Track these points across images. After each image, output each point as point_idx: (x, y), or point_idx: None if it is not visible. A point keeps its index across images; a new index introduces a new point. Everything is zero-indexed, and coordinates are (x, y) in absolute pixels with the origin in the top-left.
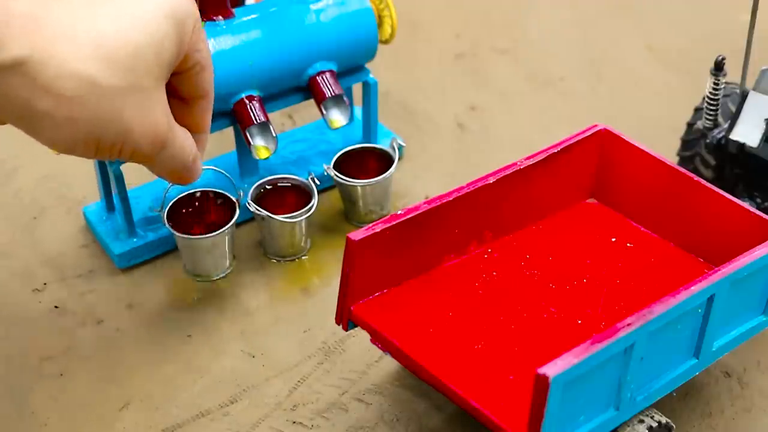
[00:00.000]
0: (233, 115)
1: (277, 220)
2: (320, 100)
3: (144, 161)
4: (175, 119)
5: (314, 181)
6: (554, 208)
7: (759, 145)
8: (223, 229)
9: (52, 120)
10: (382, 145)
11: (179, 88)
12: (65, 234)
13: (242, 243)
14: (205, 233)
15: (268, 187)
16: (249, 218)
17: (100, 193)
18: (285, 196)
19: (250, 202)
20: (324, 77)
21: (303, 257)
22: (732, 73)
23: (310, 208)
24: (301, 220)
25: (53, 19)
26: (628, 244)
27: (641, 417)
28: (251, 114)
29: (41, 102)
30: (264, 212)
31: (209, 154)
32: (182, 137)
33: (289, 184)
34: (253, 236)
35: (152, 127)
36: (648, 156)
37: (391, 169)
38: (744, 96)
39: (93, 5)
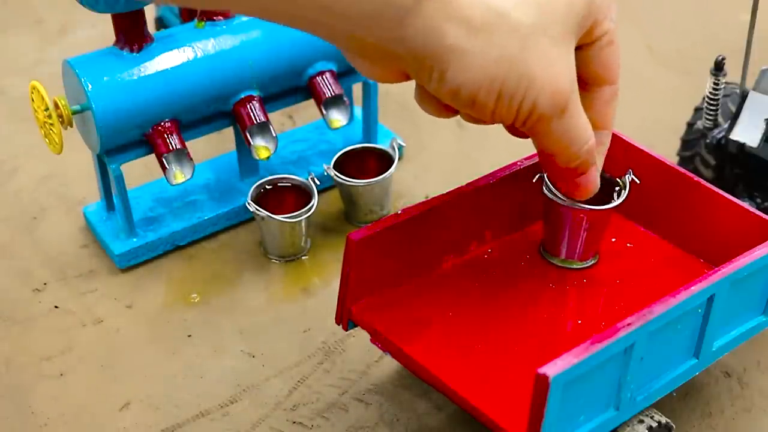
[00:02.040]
0: (233, 115)
1: (277, 220)
2: (320, 100)
3: (540, 125)
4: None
5: (314, 181)
6: None
7: (759, 145)
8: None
9: (461, 55)
10: (382, 145)
11: (584, 66)
12: (65, 234)
13: (242, 243)
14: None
15: (268, 187)
16: (249, 218)
17: (100, 193)
18: (285, 196)
19: (250, 202)
20: (324, 77)
21: (303, 257)
22: (732, 73)
23: (310, 208)
24: (301, 220)
25: None
26: (628, 244)
27: (641, 417)
28: (251, 114)
29: (451, 31)
30: (264, 212)
31: (209, 154)
32: (582, 113)
33: (289, 184)
34: (253, 236)
35: (555, 81)
36: (648, 156)
37: (391, 169)
38: (744, 96)
39: None
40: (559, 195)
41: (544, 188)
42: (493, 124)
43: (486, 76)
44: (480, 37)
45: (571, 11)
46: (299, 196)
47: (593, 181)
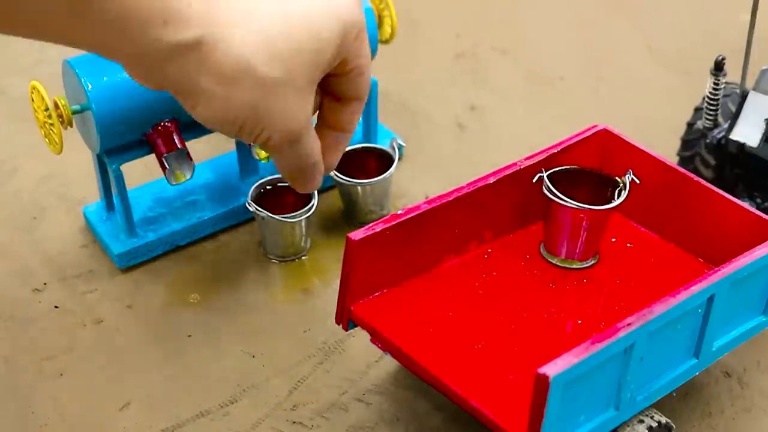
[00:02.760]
0: None
1: (277, 220)
2: None
3: (273, 151)
4: (325, 115)
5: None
6: None
7: (759, 145)
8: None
9: (210, 97)
10: (382, 145)
11: (335, 87)
12: (65, 234)
13: (242, 243)
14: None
15: (268, 187)
16: (249, 218)
17: (100, 193)
18: (285, 196)
19: (249, 202)
20: None
21: (303, 257)
22: (732, 73)
23: (310, 208)
24: (301, 220)
25: (231, 4)
26: (628, 244)
27: (641, 417)
28: None
29: (204, 79)
30: (264, 212)
31: (209, 154)
32: (313, 142)
33: (289, 185)
34: (254, 236)
35: (291, 122)
36: (648, 156)
37: (391, 169)
38: (744, 96)
39: None
40: (560, 195)
41: (544, 188)
42: None
43: (229, 116)
44: (227, 87)
45: (317, 63)
46: (299, 196)
47: (316, 183)
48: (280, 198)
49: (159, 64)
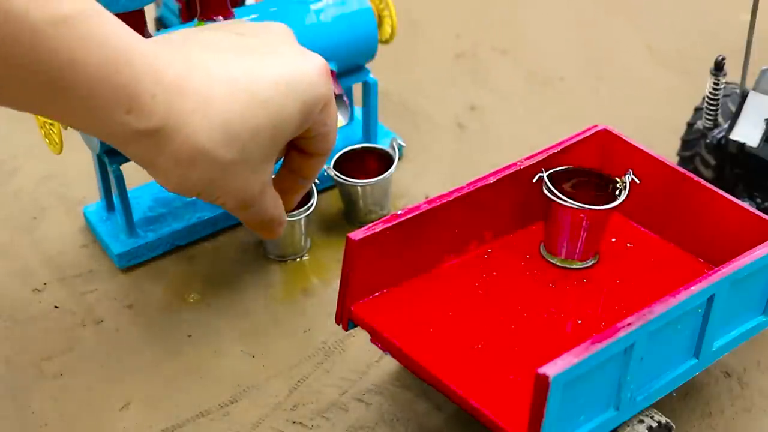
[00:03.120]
0: None
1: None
2: None
3: (231, 211)
4: (288, 162)
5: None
6: None
7: (759, 145)
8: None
9: (166, 174)
10: (382, 145)
11: (300, 146)
12: (65, 234)
13: (242, 243)
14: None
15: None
16: None
17: (100, 193)
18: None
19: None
20: None
21: (303, 257)
22: (732, 73)
23: (309, 208)
24: (301, 219)
25: (193, 92)
26: (628, 244)
27: (641, 417)
28: None
29: (162, 160)
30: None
31: None
32: (269, 202)
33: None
34: (253, 236)
35: (245, 194)
36: (648, 156)
37: (391, 169)
38: (744, 96)
39: (228, 77)
40: (560, 195)
41: (544, 188)
42: None
43: (184, 189)
44: (184, 168)
45: (276, 142)
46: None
47: (279, 233)
48: None
49: (123, 143)
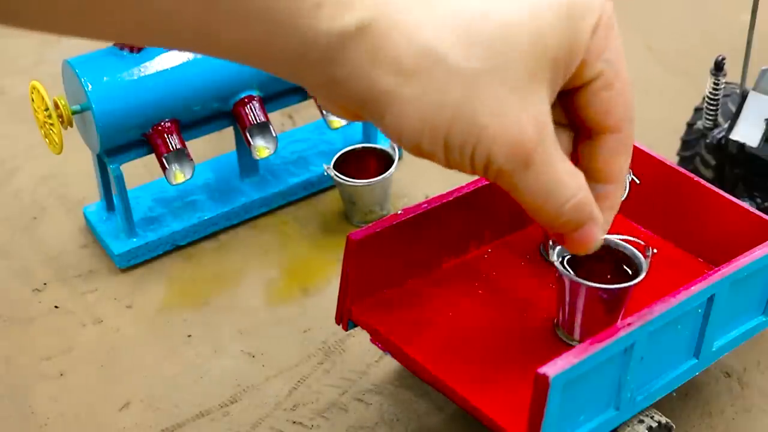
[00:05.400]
0: (233, 115)
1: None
2: None
3: (503, 180)
4: (579, 161)
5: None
6: None
7: (759, 145)
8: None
9: (395, 101)
10: (382, 145)
11: (579, 111)
12: (65, 234)
13: (242, 243)
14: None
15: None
16: (249, 218)
17: (100, 193)
18: (367, 161)
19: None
20: None
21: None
22: (732, 73)
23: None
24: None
25: None
26: None
27: (641, 417)
28: (251, 114)
29: (382, 78)
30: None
31: (209, 154)
32: (562, 167)
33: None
34: (253, 236)
35: (512, 132)
36: (648, 156)
37: (391, 169)
38: (744, 96)
39: None
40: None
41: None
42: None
43: (426, 124)
44: (414, 83)
45: (538, 53)
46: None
47: (591, 238)
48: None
49: (320, 63)
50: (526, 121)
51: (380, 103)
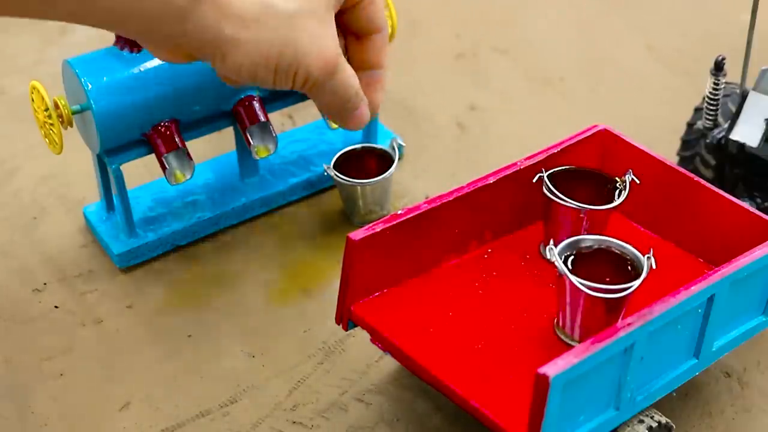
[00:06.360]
0: (233, 115)
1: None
2: None
3: (314, 89)
4: (352, 56)
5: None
6: None
7: (759, 145)
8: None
9: (237, 44)
10: (382, 145)
11: (351, 24)
12: (65, 234)
13: (242, 243)
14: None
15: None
16: (249, 218)
17: (100, 193)
18: (367, 161)
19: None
20: None
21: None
22: (732, 73)
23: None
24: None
25: None
26: None
27: (641, 417)
28: (251, 114)
29: (227, 27)
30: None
31: (209, 154)
32: (349, 69)
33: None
34: (253, 236)
35: (324, 51)
36: (648, 156)
37: (391, 169)
38: (744, 96)
39: None
40: (560, 195)
41: (544, 188)
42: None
43: (262, 57)
44: (253, 27)
45: None
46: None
47: (365, 115)
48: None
49: (180, 20)
50: (330, 43)
51: (224, 46)
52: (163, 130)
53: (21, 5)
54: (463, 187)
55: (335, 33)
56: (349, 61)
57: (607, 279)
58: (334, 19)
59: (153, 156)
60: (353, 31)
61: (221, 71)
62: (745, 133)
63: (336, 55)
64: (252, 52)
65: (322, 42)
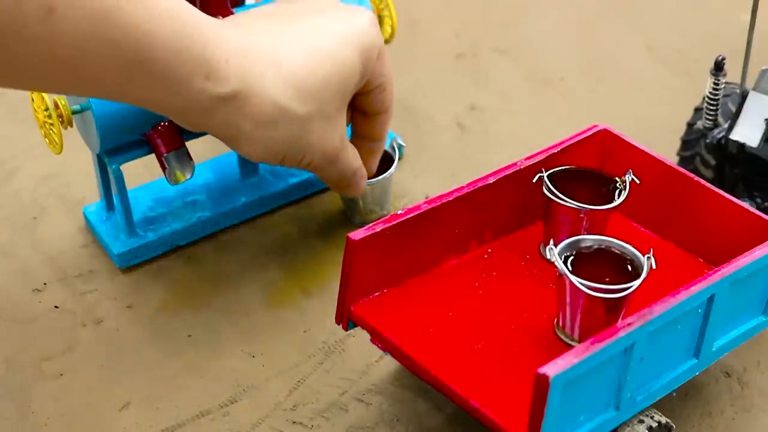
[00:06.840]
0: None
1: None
2: None
3: (316, 171)
4: (356, 128)
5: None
6: None
7: (759, 145)
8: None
9: (251, 139)
10: None
11: (360, 106)
12: (65, 234)
13: (242, 243)
14: None
15: None
16: (249, 218)
17: (100, 193)
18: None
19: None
20: None
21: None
22: (732, 73)
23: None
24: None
25: (259, 54)
26: None
27: (641, 417)
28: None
29: (244, 125)
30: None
31: (209, 154)
32: (351, 154)
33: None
34: (254, 236)
35: (329, 146)
36: (648, 156)
37: (391, 169)
38: (744, 96)
39: (289, 39)
40: (560, 195)
41: (543, 188)
42: None
43: (270, 152)
44: (269, 128)
45: (344, 89)
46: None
47: (360, 186)
48: None
49: (204, 114)
50: (335, 138)
51: (239, 140)
52: (163, 130)
53: (69, 86)
54: (463, 187)
55: (343, 126)
56: (353, 130)
57: (607, 279)
58: (345, 112)
59: (153, 156)
60: (362, 109)
61: (237, 151)
62: (745, 133)
63: (337, 148)
64: (264, 148)
65: (327, 139)
